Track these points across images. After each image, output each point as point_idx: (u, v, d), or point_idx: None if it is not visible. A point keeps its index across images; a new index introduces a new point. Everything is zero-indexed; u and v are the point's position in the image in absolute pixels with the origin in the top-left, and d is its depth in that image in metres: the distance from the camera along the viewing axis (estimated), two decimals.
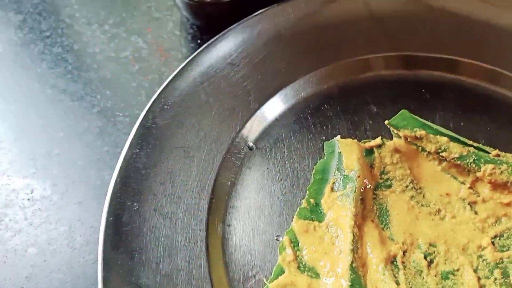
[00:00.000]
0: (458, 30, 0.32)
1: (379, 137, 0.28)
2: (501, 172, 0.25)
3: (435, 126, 0.27)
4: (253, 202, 0.27)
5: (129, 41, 0.37)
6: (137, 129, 0.27)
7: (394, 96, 0.31)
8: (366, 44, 0.32)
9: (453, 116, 0.30)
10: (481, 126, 0.29)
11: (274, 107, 0.31)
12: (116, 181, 0.25)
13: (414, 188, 0.27)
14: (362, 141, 0.28)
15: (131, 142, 0.27)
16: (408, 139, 0.27)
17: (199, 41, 0.37)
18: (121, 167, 0.26)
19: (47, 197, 0.29)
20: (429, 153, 0.27)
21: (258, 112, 0.30)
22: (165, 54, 0.36)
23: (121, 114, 0.33)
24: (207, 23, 0.37)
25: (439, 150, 0.26)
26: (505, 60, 0.31)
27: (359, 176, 0.26)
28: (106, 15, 0.39)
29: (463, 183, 0.26)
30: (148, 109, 0.28)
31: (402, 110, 0.27)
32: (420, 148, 0.27)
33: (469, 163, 0.26)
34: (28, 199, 0.29)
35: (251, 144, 0.29)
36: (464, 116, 0.30)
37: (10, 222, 0.28)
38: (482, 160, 0.26)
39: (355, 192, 0.25)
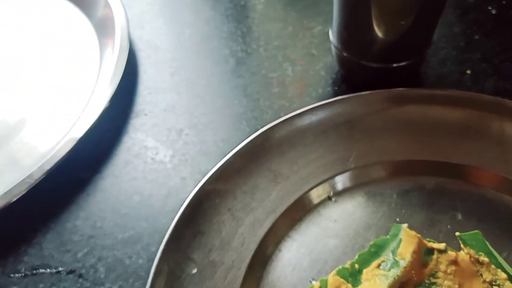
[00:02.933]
0: None
1: (444, 244, 0.29)
2: None
3: (501, 260, 0.27)
4: (308, 242, 0.31)
5: (281, 66, 0.43)
6: (245, 144, 0.33)
7: (486, 215, 0.31)
8: (481, 156, 0.33)
9: None
10: None
11: (367, 174, 0.33)
12: (211, 175, 0.31)
13: None
14: (427, 239, 0.29)
15: (236, 152, 0.32)
16: (472, 259, 0.28)
17: (336, 88, 0.41)
18: (220, 167, 0.32)
19: (164, 163, 0.36)
20: (485, 280, 0.27)
21: (351, 172, 0.33)
22: (302, 87, 0.41)
23: (245, 123, 0.39)
24: (350, 76, 0.41)
25: (493, 283, 0.27)
26: None
27: (405, 267, 0.27)
28: (274, 36, 0.46)
29: None
30: (263, 132, 0.33)
31: (477, 231, 0.28)
32: (479, 272, 0.28)
33: None
34: (152, 158, 0.36)
35: (331, 194, 0.33)
36: None
37: (132, 169, 0.36)
38: None
39: (395, 278, 0.27)
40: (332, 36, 0.39)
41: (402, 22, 0.34)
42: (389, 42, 0.36)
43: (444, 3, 0.35)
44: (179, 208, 0.32)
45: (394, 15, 0.34)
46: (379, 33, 0.35)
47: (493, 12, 0.46)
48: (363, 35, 0.36)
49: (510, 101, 0.34)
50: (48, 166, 0.34)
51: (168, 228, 0.31)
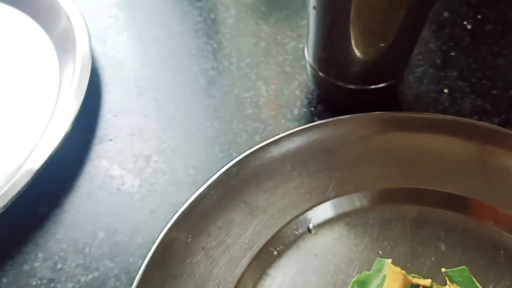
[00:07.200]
0: None
1: (429, 280, 0.27)
2: None
3: None
4: (288, 279, 0.29)
5: (254, 85, 0.41)
6: (220, 175, 0.31)
7: (470, 245, 0.30)
8: (464, 183, 0.32)
9: None
10: None
11: (348, 203, 0.32)
12: (183, 211, 0.29)
13: None
14: (412, 274, 0.28)
15: (210, 184, 0.30)
16: None
17: (312, 109, 0.39)
18: (192, 202, 0.29)
19: (131, 194, 0.33)
20: None
21: (331, 202, 0.31)
22: (277, 108, 0.39)
23: (218, 148, 0.36)
24: (327, 96, 0.39)
25: None
26: None
27: None
28: (247, 53, 0.44)
29: None
30: (237, 161, 0.31)
31: (463, 267, 0.27)
32: None
33: None
34: (117, 189, 0.34)
35: (311, 227, 0.31)
36: None
37: (96, 201, 0.33)
38: None
39: None
40: (307, 55, 0.37)
41: (382, 44, 0.33)
42: (368, 64, 0.35)
43: (424, 22, 0.34)
44: (148, 245, 0.30)
45: (374, 36, 0.33)
46: (357, 55, 0.34)
47: (469, 27, 0.46)
48: (341, 57, 0.34)
49: (491, 125, 0.33)
50: (2, 203, 0.31)
51: (136, 268, 0.29)
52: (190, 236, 0.29)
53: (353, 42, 0.33)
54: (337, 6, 0.31)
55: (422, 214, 0.32)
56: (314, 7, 0.33)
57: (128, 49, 0.44)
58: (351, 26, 0.32)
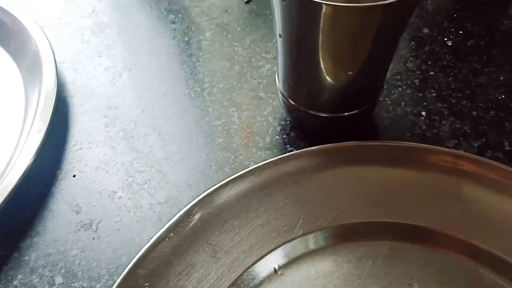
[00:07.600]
0: None
1: None
2: None
3: None
4: None
5: (227, 112, 0.40)
6: (180, 216, 0.29)
7: (444, 284, 0.29)
8: (439, 217, 0.30)
9: None
10: None
11: (316, 241, 0.30)
12: (140, 257, 0.28)
13: None
14: None
15: (169, 226, 0.29)
16: None
17: (285, 136, 0.38)
18: (149, 246, 0.28)
19: (93, 234, 0.32)
20: None
21: (298, 240, 0.30)
22: (249, 136, 0.38)
23: (185, 181, 0.35)
24: (299, 123, 0.38)
25: None
26: None
27: None
28: (220, 78, 0.42)
29: None
30: (200, 199, 0.30)
31: None
32: None
33: None
34: (78, 229, 0.32)
35: (277, 267, 0.29)
36: None
37: (56, 243, 0.32)
38: None
39: None
40: (278, 82, 0.36)
41: (350, 72, 0.31)
42: (338, 92, 0.33)
43: (395, 48, 0.33)
44: None
45: (342, 65, 0.31)
46: (326, 83, 0.32)
47: (449, 43, 0.44)
48: (309, 85, 0.33)
49: (468, 154, 0.32)
50: None
51: None
52: (147, 284, 0.27)
53: (320, 70, 0.31)
54: (302, 35, 0.30)
55: (395, 250, 0.30)
56: (280, 35, 0.31)
57: (98, 76, 0.43)
58: (317, 55, 0.30)
